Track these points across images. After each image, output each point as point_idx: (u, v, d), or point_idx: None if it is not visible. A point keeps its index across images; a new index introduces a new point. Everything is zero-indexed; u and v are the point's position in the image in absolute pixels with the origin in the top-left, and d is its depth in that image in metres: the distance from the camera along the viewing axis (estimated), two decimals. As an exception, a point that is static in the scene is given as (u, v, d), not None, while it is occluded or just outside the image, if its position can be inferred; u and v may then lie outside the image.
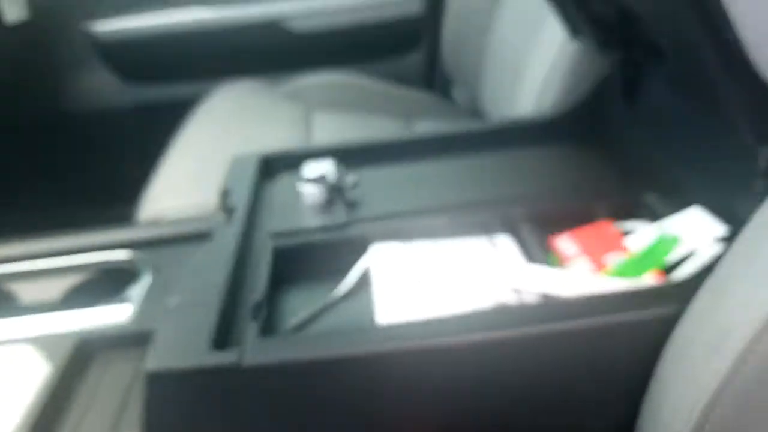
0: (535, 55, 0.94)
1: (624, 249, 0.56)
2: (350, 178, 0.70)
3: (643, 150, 0.66)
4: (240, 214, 0.66)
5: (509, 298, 0.53)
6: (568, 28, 0.76)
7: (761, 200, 0.46)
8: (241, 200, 0.69)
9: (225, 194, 0.70)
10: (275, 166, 0.77)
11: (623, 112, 0.71)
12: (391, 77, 1.44)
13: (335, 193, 0.69)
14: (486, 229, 0.62)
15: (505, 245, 0.60)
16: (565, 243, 0.58)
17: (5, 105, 1.39)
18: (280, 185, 0.74)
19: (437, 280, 0.56)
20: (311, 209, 0.68)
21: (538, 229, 0.60)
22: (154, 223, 0.90)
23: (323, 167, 0.70)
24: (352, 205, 0.68)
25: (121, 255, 0.77)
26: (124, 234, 0.80)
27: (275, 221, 0.66)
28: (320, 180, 0.68)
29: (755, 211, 0.44)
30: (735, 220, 0.51)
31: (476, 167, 0.74)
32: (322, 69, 1.43)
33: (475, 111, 1.25)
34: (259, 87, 1.37)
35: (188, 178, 0.96)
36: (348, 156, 0.76)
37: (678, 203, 0.58)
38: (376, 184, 0.72)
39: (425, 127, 1.21)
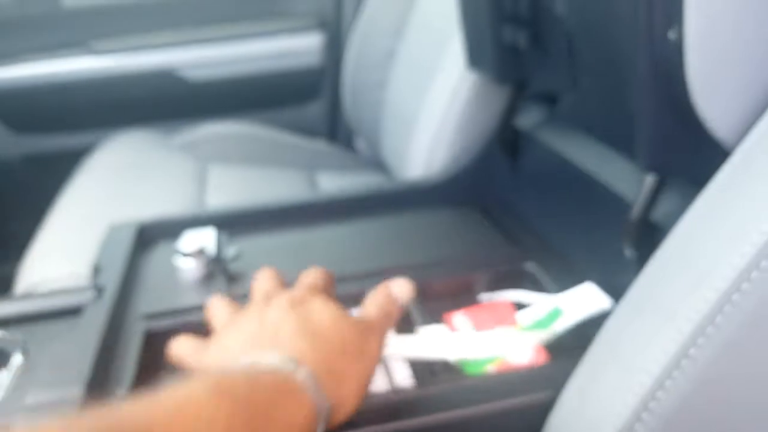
0: (425, 110, 0.95)
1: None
2: (231, 249, 0.67)
3: (525, 217, 0.67)
4: (110, 293, 0.61)
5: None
6: (471, 56, 0.76)
7: (635, 270, 0.46)
8: (113, 276, 0.64)
9: (96, 270, 0.66)
10: (153, 235, 0.73)
11: (507, 178, 0.72)
12: (292, 127, 1.42)
13: (215, 266, 0.66)
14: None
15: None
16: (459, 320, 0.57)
17: None
18: (157, 257, 0.70)
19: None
20: (189, 285, 0.64)
21: (424, 301, 0.59)
22: (27, 295, 0.83)
23: (202, 238, 0.66)
24: (232, 279, 0.65)
25: (-10, 334, 0.71)
26: None
27: (149, 300, 0.62)
28: (198, 254, 0.65)
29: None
30: (617, 293, 0.51)
31: (362, 233, 0.72)
32: (220, 118, 1.39)
33: (377, 162, 1.24)
34: (153, 137, 1.31)
35: (67, 245, 0.90)
36: (231, 223, 0.73)
37: (559, 273, 0.58)
38: (259, 253, 0.69)
39: (328, 179, 1.19)
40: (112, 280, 0.63)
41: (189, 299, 0.62)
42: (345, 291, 0.61)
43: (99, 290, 0.62)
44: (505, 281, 0.60)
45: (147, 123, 1.39)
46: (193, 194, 1.05)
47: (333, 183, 1.17)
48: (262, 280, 0.49)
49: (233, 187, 1.10)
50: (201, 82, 1.42)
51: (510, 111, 0.77)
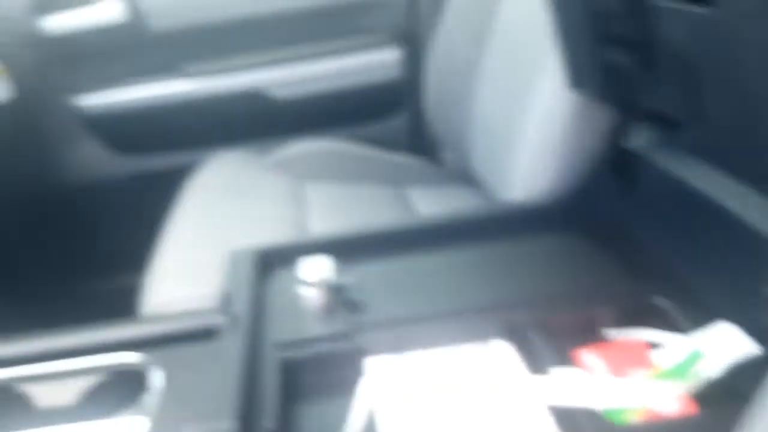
0: (521, 127, 0.93)
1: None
2: (348, 278, 0.69)
3: (645, 246, 0.65)
4: (243, 321, 0.64)
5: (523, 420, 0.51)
6: (571, 77, 0.74)
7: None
8: (242, 303, 0.67)
9: (227, 299, 0.69)
10: (270, 261, 0.76)
11: (617, 203, 0.70)
12: (376, 141, 1.45)
13: (335, 294, 0.68)
14: (488, 335, 0.60)
15: (507, 355, 0.58)
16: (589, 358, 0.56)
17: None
18: (278, 284, 0.73)
19: (446, 405, 0.54)
20: (313, 314, 0.66)
21: (547, 337, 0.58)
22: (158, 318, 0.87)
23: (321, 267, 0.68)
24: (352, 308, 0.67)
25: (130, 357, 0.75)
26: (131, 331, 0.78)
27: (277, 329, 0.65)
28: (321, 283, 0.67)
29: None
30: (758, 335, 0.49)
31: (471, 261, 0.73)
32: (308, 134, 1.42)
33: (465, 175, 1.24)
34: (249, 158, 1.36)
35: (186, 266, 0.94)
36: (340, 249, 0.74)
37: (694, 310, 0.56)
38: (372, 281, 0.71)
39: (420, 196, 1.20)
40: (242, 307, 0.66)
41: (316, 329, 0.64)
42: (465, 326, 0.61)
43: (233, 317, 0.65)
44: (632, 317, 0.58)
45: (240, 142, 1.43)
46: (295, 215, 1.09)
47: (426, 200, 1.18)
48: None
49: (332, 208, 1.13)
50: (286, 101, 1.45)
51: (618, 131, 0.75)
